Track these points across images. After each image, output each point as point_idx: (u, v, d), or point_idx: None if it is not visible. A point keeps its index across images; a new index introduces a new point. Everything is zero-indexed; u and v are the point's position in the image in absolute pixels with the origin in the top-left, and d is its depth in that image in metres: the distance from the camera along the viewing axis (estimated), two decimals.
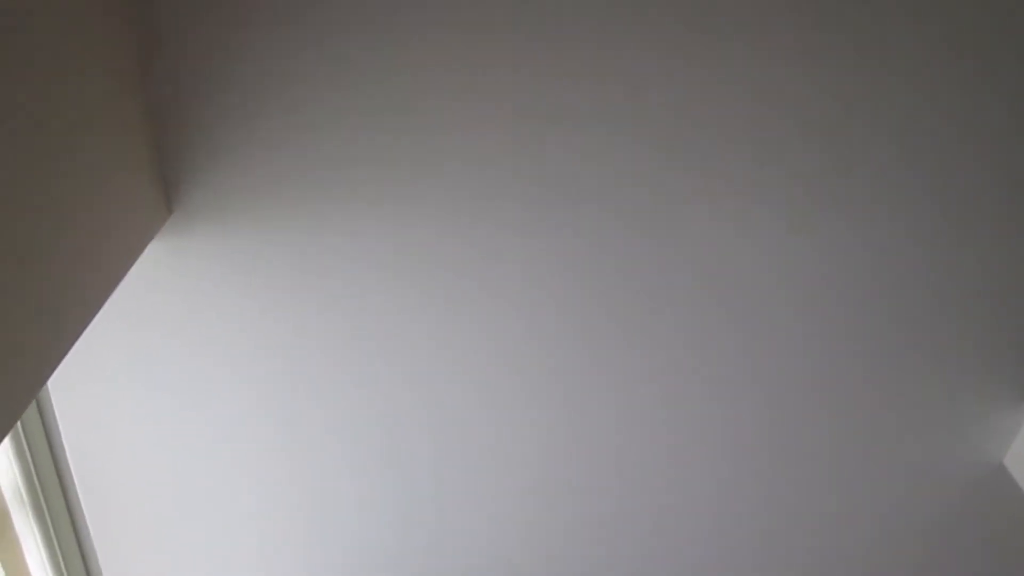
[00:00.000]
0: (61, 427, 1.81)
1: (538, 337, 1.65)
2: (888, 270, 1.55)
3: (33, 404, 1.81)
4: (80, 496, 1.92)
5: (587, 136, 1.43)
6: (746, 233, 1.51)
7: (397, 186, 1.48)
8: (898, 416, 1.74)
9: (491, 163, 1.46)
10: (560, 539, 1.98)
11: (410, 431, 1.79)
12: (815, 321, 1.62)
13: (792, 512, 1.91)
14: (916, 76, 1.36)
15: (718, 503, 1.90)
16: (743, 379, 1.70)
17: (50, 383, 1.75)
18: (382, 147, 1.45)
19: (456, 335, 1.66)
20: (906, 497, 1.87)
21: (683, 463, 1.83)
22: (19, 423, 1.82)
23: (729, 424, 1.77)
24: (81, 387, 1.74)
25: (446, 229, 1.53)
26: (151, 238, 1.47)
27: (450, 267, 1.57)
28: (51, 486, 1.94)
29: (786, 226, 1.50)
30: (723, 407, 1.74)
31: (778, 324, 1.62)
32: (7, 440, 1.81)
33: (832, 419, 1.75)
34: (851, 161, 1.44)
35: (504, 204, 1.50)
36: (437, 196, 1.50)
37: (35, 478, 1.87)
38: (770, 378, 1.69)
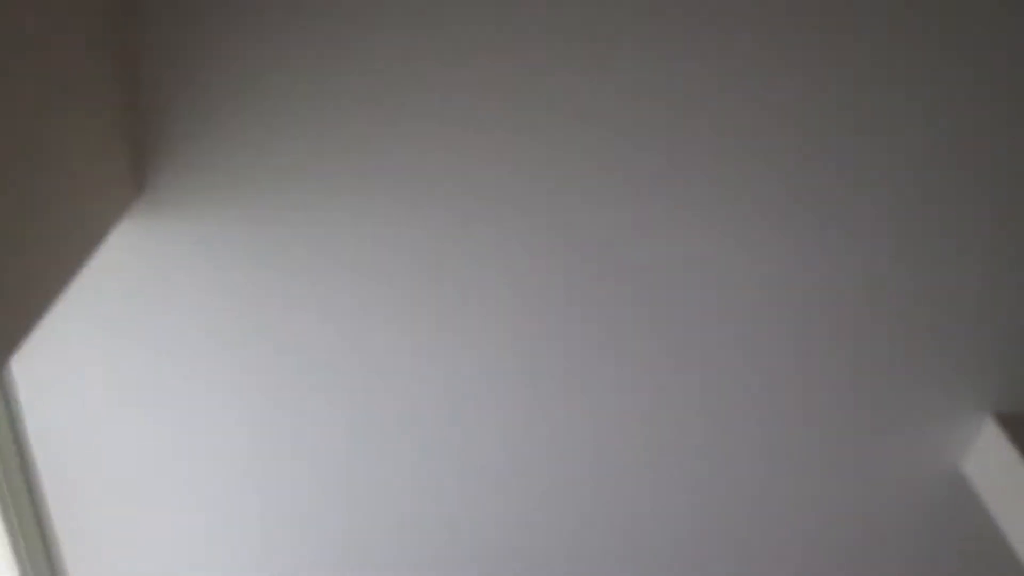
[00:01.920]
0: (25, 411, 1.78)
1: (523, 336, 1.65)
2: (848, 277, 1.56)
3: None
4: (43, 482, 1.90)
5: (579, 135, 1.42)
6: (719, 234, 1.51)
7: (380, 175, 1.47)
8: (856, 420, 1.76)
9: (481, 158, 1.45)
10: (540, 539, 1.98)
11: (386, 418, 1.78)
12: (774, 329, 1.63)
13: (747, 513, 1.93)
14: (898, 78, 1.37)
15: (682, 500, 1.91)
16: (702, 387, 1.71)
17: (14, 367, 1.72)
18: (365, 135, 1.43)
19: (437, 324, 1.64)
20: (862, 500, 1.89)
21: (659, 462, 1.84)
22: None
23: (694, 424, 1.78)
24: (45, 370, 1.72)
25: (429, 222, 1.52)
26: (120, 218, 1.45)
27: (432, 258, 1.56)
28: (13, 471, 1.92)
29: (756, 230, 1.51)
30: (690, 408, 1.75)
31: (740, 335, 1.63)
32: None
33: (790, 424, 1.77)
34: (822, 162, 1.44)
35: (493, 200, 1.49)
36: (421, 188, 1.48)
37: None
38: (727, 386, 1.71)
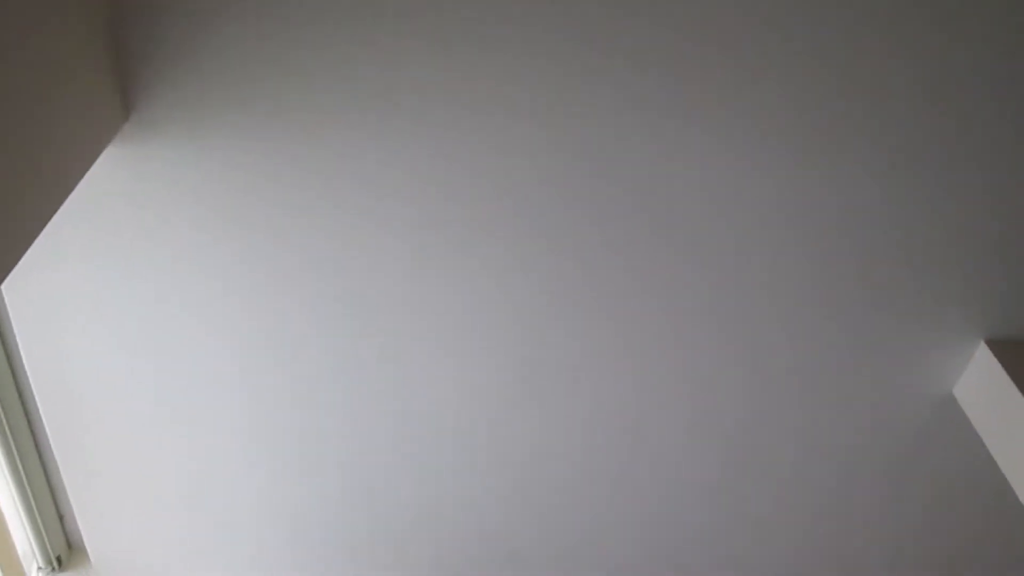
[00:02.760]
0: (18, 337, 1.78)
1: (529, 251, 1.63)
2: (844, 202, 1.54)
3: None
4: (40, 407, 1.91)
5: (584, 52, 1.38)
6: (725, 151, 1.49)
7: (376, 91, 1.43)
8: (850, 344, 1.76)
9: (484, 73, 1.41)
10: (539, 455, 2.01)
11: (385, 345, 1.79)
12: (773, 253, 1.62)
13: (742, 441, 1.95)
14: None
15: (683, 419, 1.93)
16: (704, 312, 1.71)
17: (5, 294, 1.71)
18: (359, 51, 1.39)
19: (437, 251, 1.63)
20: (855, 423, 1.92)
21: (649, 398, 1.85)
22: None
23: (683, 359, 1.79)
24: (37, 299, 1.71)
25: (431, 140, 1.48)
26: (107, 142, 1.42)
27: (432, 182, 1.53)
28: (10, 398, 1.92)
29: (760, 149, 1.48)
30: (684, 344, 1.76)
31: (739, 258, 1.62)
32: None
33: (786, 350, 1.77)
34: (825, 84, 1.42)
35: (496, 114, 1.45)
36: (421, 107, 1.44)
37: None
38: (727, 310, 1.71)
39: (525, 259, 1.63)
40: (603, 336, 1.76)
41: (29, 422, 2.01)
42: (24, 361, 1.82)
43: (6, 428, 1.95)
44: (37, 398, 1.89)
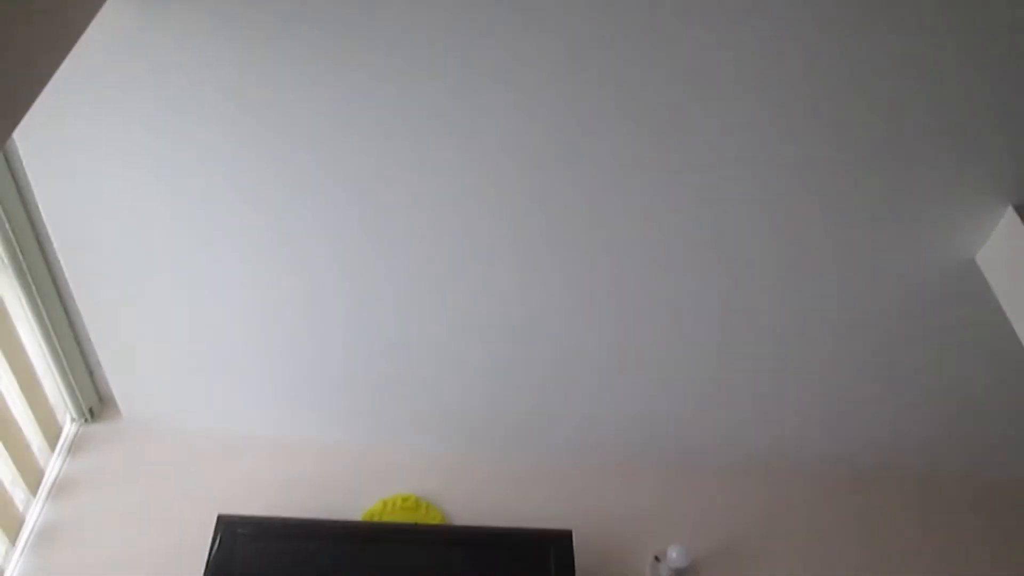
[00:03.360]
0: (34, 189, 1.78)
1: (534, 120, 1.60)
2: (868, 57, 1.48)
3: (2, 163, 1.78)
4: (62, 261, 1.93)
5: None
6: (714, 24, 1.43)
7: None
8: (874, 206, 1.73)
9: None
10: (538, 311, 2.02)
11: (383, 210, 1.78)
12: (795, 112, 1.57)
13: (764, 296, 1.95)
14: None
15: (701, 280, 1.93)
16: (726, 166, 1.67)
17: (18, 143, 1.70)
18: None
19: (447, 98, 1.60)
20: (876, 287, 1.91)
21: (675, 259, 1.84)
22: None
23: (711, 215, 1.76)
24: (49, 147, 1.70)
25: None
26: None
27: (439, 36, 1.49)
28: (31, 254, 1.94)
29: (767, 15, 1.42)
30: (708, 200, 1.73)
31: (759, 112, 1.57)
32: None
33: (809, 211, 1.75)
34: None
35: None
36: None
37: (12, 238, 1.87)
38: (752, 168, 1.67)
39: (530, 115, 1.60)
40: (617, 192, 1.74)
41: (53, 278, 2.04)
42: (43, 216, 1.83)
43: (30, 282, 1.98)
44: (59, 253, 1.91)
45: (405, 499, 2.27)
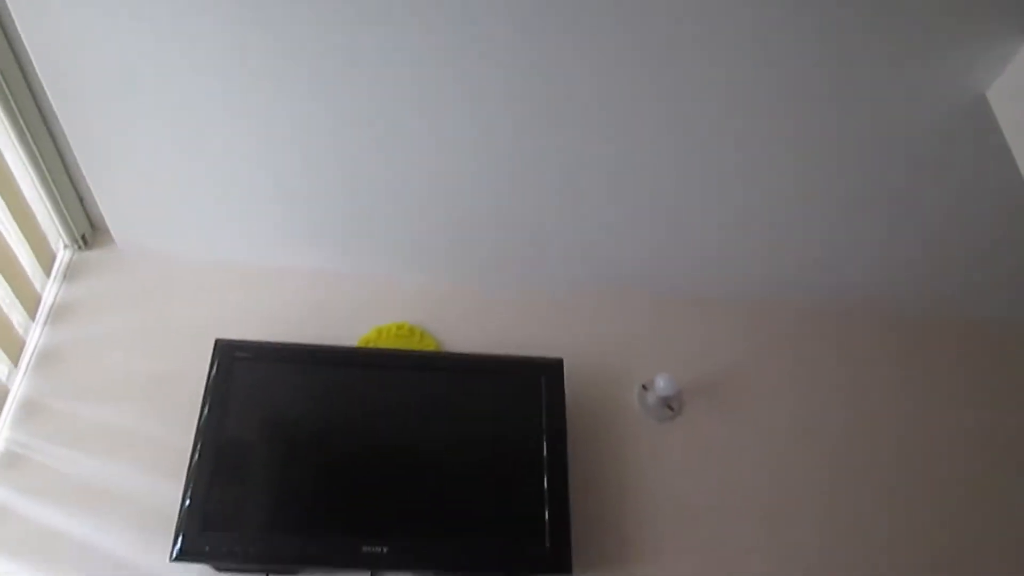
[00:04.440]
0: (15, 15, 1.69)
1: None
2: None
3: None
4: (43, 81, 1.86)
5: None
6: None
7: None
8: (884, 35, 1.66)
9: None
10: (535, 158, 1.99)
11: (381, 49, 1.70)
12: None
13: (766, 128, 1.91)
14: None
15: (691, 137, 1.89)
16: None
17: None
18: None
19: None
20: (882, 123, 1.86)
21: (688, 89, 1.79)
22: None
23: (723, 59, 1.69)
24: None
25: None
26: None
27: None
28: (15, 82, 1.87)
29: None
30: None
31: None
32: None
33: (816, 44, 1.68)
34: None
35: None
36: None
37: None
38: (752, 2, 1.59)
39: None
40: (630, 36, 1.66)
41: (39, 106, 1.98)
42: (26, 43, 1.75)
43: (15, 108, 1.92)
44: (43, 79, 1.84)
45: (400, 327, 2.31)
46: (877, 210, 2.14)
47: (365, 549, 1.84)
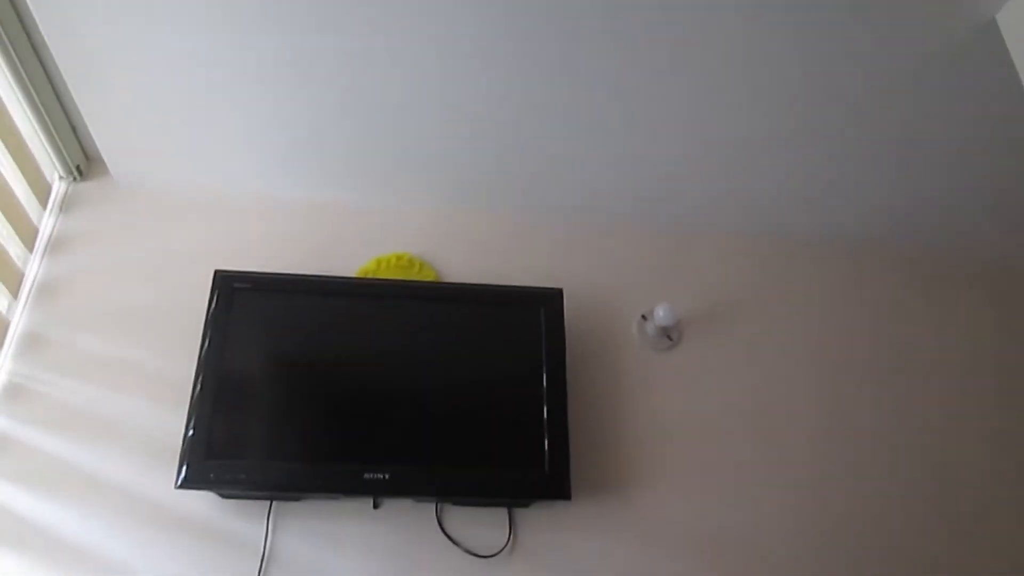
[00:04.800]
0: None
1: None
2: None
3: None
4: (31, 7, 1.81)
5: None
6: None
7: None
8: None
9: None
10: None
11: None
12: None
13: (773, 54, 1.87)
14: None
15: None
16: None
17: None
18: None
19: None
20: (891, 50, 1.83)
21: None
22: None
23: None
24: None
25: None
26: None
27: None
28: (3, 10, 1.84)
29: None
30: None
31: None
32: None
33: None
34: None
35: None
36: None
37: None
38: None
39: None
40: None
41: (28, 34, 1.94)
42: None
43: (4, 38, 1.88)
44: (31, 6, 1.79)
45: (399, 257, 2.30)
46: (882, 140, 2.11)
47: (367, 476, 1.87)
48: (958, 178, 2.25)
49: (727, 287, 2.45)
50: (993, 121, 2.02)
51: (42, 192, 2.26)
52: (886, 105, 1.99)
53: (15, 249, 2.15)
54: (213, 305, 1.99)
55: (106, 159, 2.29)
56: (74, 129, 2.26)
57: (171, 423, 1.97)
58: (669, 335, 2.31)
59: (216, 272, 2.03)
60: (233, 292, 2.01)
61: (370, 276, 2.26)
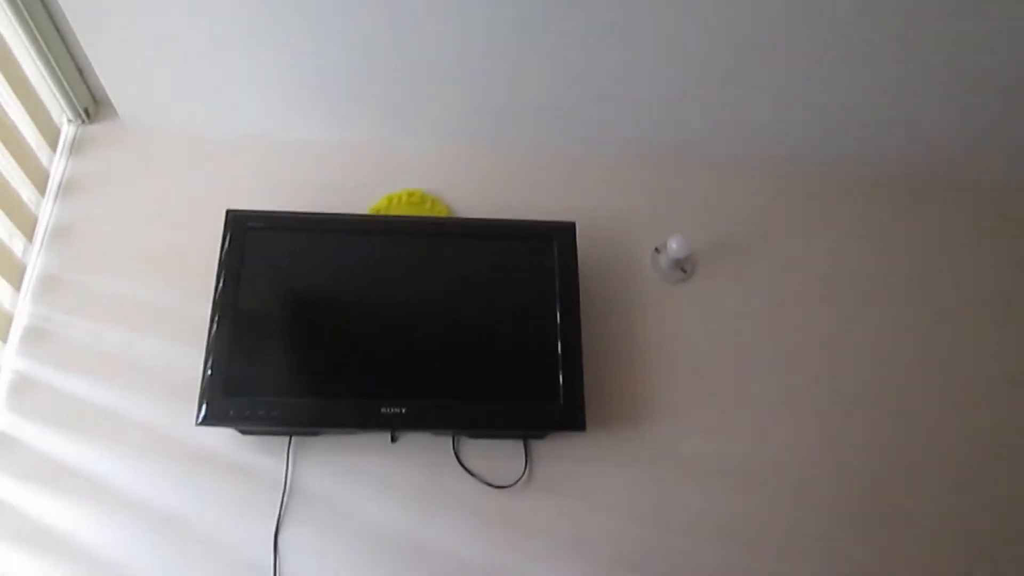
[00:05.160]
0: None
1: None
2: None
3: None
4: None
5: None
6: None
7: None
8: None
9: None
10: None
11: None
12: None
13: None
14: None
15: None
16: None
17: None
18: None
19: None
20: None
21: None
22: None
23: None
24: None
25: None
26: None
27: None
28: None
29: None
30: None
31: None
32: None
33: None
34: None
35: None
36: None
37: None
38: None
39: None
40: None
41: None
42: None
43: None
44: None
45: (411, 194, 2.29)
46: (897, 65, 2.06)
47: (384, 410, 1.89)
48: (976, 105, 2.21)
49: (742, 219, 2.43)
50: (1000, 40, 1.98)
51: (51, 135, 2.26)
52: (902, 26, 1.94)
53: (27, 193, 2.15)
54: (226, 245, 1.99)
55: (114, 101, 2.27)
56: (80, 71, 2.24)
57: (191, 362, 1.99)
58: (683, 267, 2.30)
59: (228, 212, 2.03)
60: (246, 231, 2.01)
61: (382, 213, 2.25)
